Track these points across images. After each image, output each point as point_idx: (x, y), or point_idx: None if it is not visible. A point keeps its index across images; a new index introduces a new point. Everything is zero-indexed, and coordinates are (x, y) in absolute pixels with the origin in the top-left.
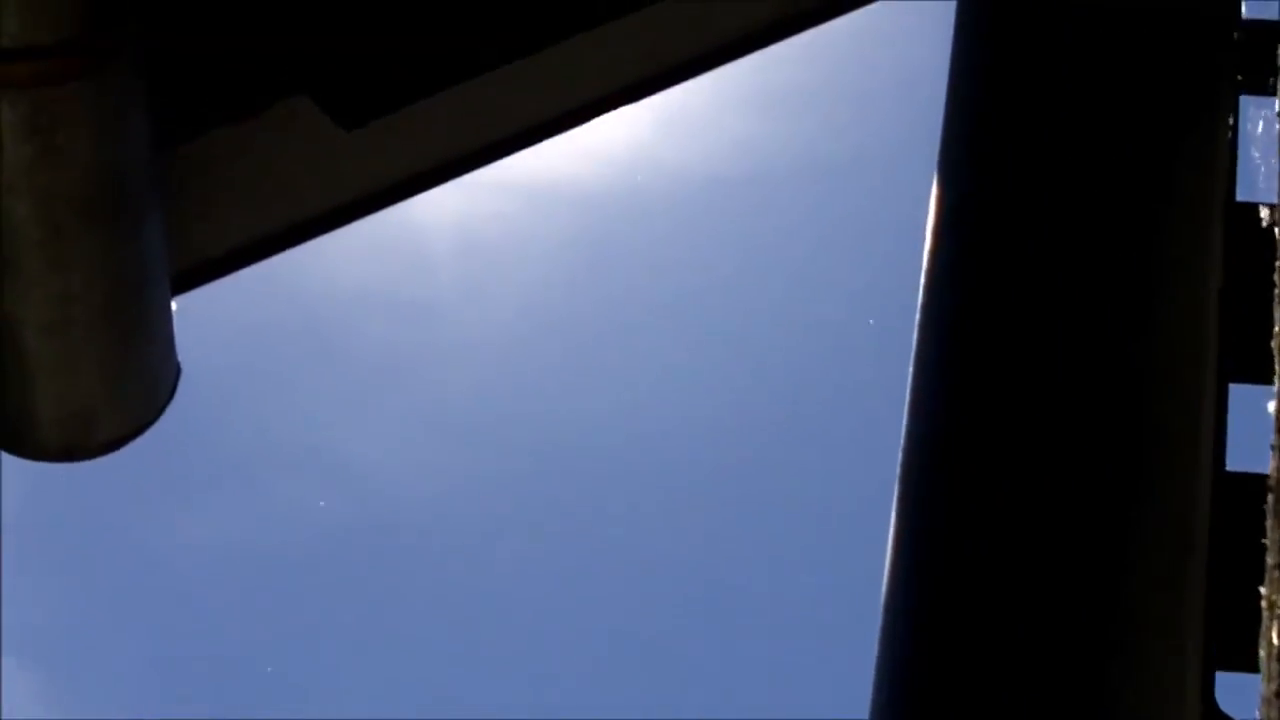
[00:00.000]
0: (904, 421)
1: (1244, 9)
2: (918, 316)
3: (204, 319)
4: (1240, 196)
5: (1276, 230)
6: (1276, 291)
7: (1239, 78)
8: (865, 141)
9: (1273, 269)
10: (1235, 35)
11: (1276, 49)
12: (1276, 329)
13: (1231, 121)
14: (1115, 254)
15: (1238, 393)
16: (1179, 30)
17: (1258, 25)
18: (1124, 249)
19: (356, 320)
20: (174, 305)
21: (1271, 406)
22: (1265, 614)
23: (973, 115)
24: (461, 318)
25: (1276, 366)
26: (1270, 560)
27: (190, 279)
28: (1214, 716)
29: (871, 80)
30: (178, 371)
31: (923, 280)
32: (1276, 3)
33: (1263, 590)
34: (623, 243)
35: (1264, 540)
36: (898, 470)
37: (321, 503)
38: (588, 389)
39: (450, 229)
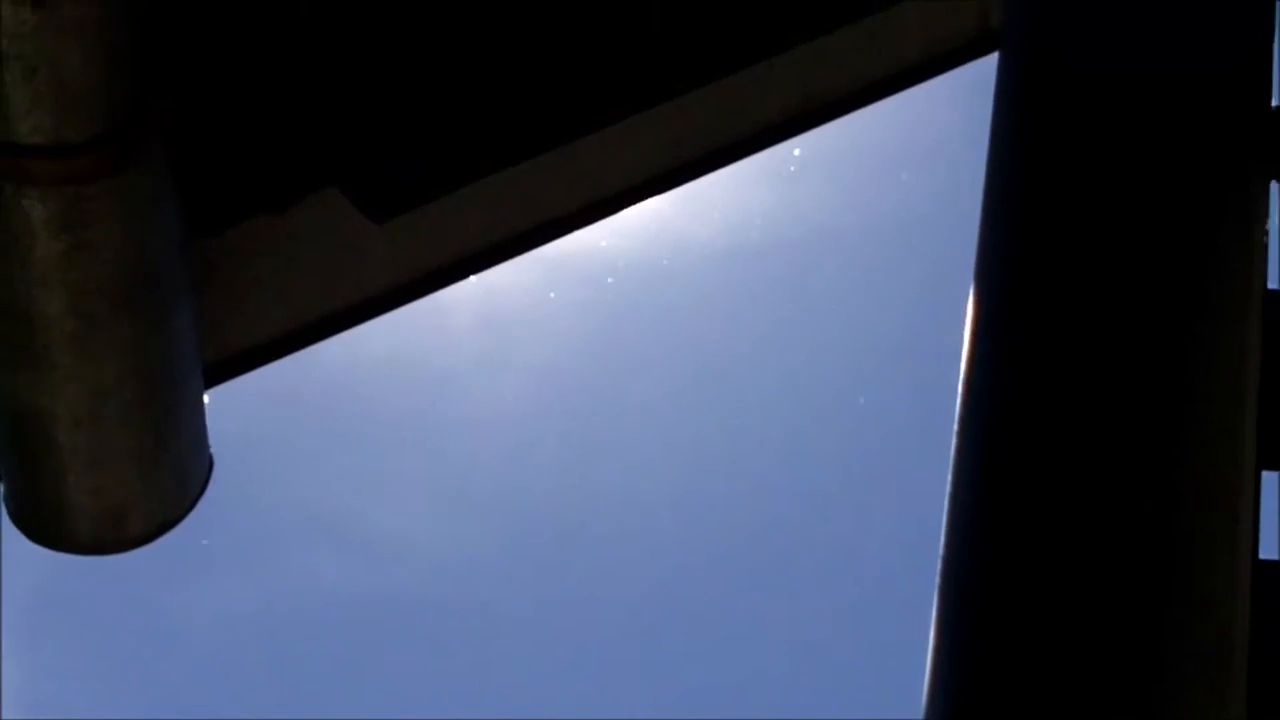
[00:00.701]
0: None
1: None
2: (957, 410)
3: (224, 388)
4: (1273, 284)
5: None
6: None
7: (1272, 163)
8: (893, 209)
9: None
10: (1267, 118)
11: None
12: None
13: (1265, 207)
14: (1152, 343)
15: (1271, 480)
16: (1211, 113)
17: None
18: (1161, 338)
19: (378, 390)
20: (206, 398)
21: None
22: None
23: (1010, 197)
24: (482, 388)
25: None
26: None
27: (222, 371)
28: None
29: (899, 147)
30: (210, 464)
31: (962, 372)
32: None
33: None
34: (645, 313)
35: None
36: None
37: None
38: (611, 461)
39: (470, 299)
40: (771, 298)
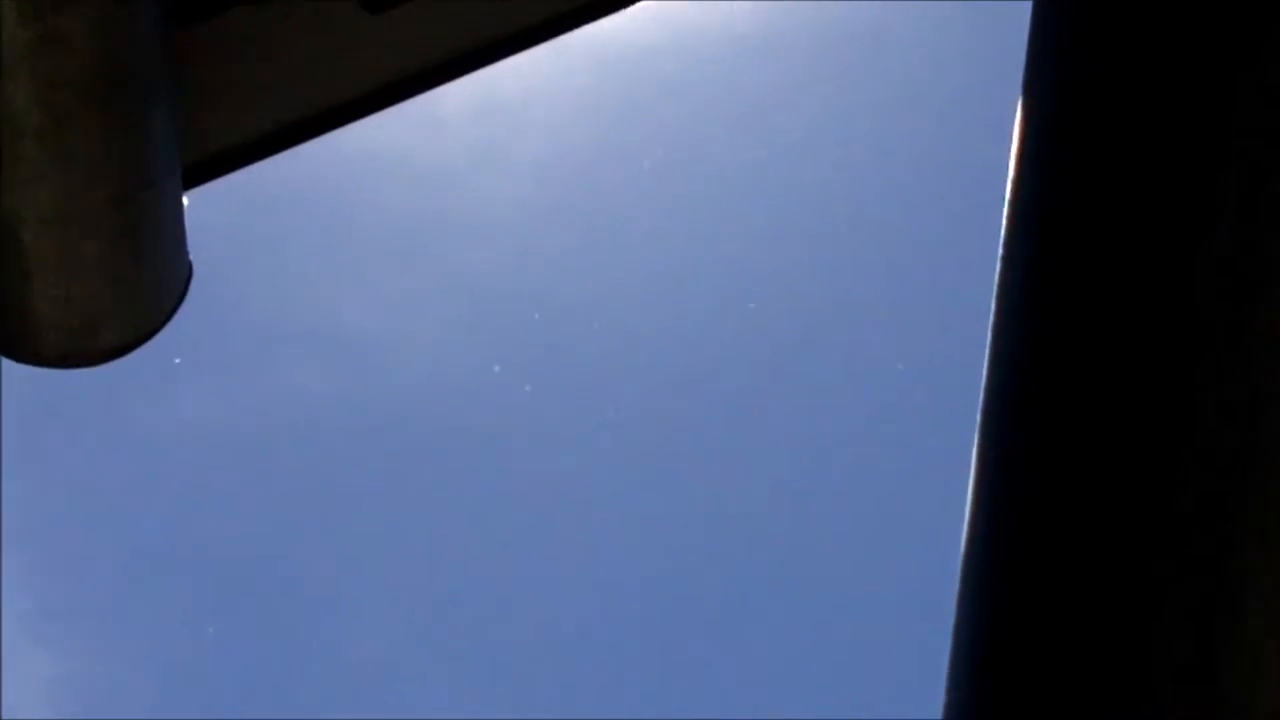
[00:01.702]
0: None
1: None
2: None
3: (205, 190)
4: None
5: None
6: None
7: None
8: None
9: None
10: None
11: None
12: None
13: None
14: (1198, 316)
15: None
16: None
17: None
18: (1209, 310)
19: (366, 189)
20: (185, 201)
21: None
22: None
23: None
24: (479, 184)
25: None
26: None
27: (203, 172)
28: None
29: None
30: (189, 272)
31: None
32: None
33: None
34: (651, 100)
35: None
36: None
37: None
38: (614, 263)
39: (464, 87)
40: (782, 92)
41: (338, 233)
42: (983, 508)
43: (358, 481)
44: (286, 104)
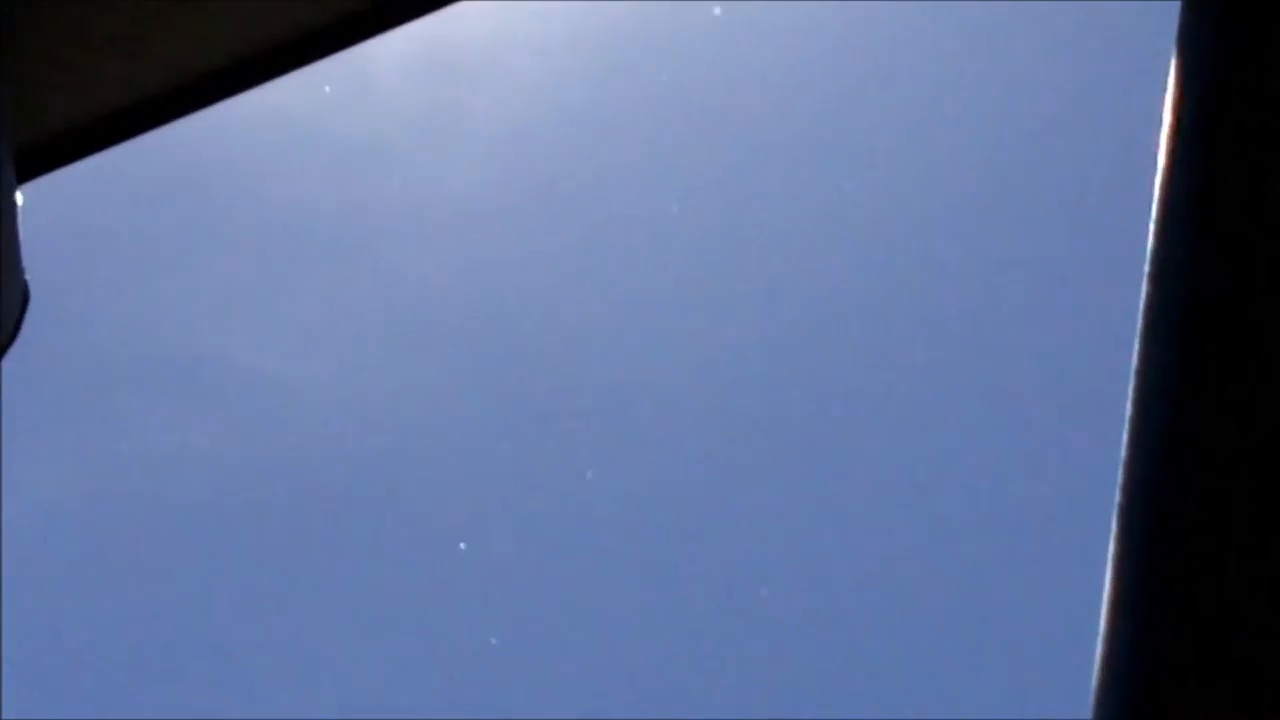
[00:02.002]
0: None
1: None
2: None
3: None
4: None
5: None
6: None
7: None
8: None
9: None
10: None
11: None
12: None
13: None
14: None
15: None
16: None
17: None
18: None
19: (264, 180)
20: (19, 198)
21: None
22: None
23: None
24: (416, 166)
25: None
26: None
27: (41, 158)
28: None
29: None
30: (23, 297)
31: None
32: None
33: None
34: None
35: None
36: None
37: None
38: (593, 266)
39: (400, 39)
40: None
41: (219, 235)
42: (1133, 526)
43: (244, 568)
44: (144, 71)
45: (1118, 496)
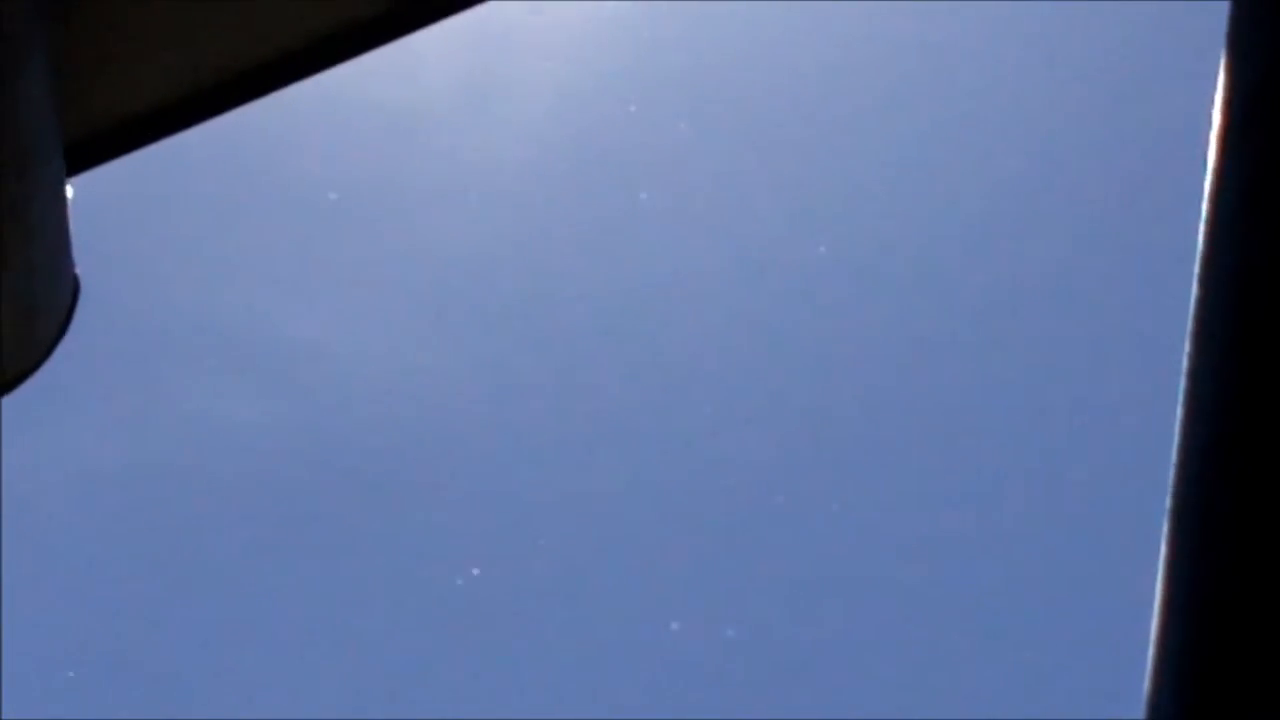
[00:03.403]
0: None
1: None
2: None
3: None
4: None
5: None
6: None
7: None
8: None
9: None
10: None
11: None
12: None
13: None
14: None
15: None
16: None
17: None
18: None
19: (305, 152)
20: (69, 191)
21: None
22: None
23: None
24: (463, 146)
25: None
26: None
27: (91, 151)
28: None
29: None
30: (74, 288)
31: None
32: None
33: None
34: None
35: None
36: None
37: (474, 572)
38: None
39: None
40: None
41: (262, 207)
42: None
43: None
44: (193, 65)
45: (1169, 499)
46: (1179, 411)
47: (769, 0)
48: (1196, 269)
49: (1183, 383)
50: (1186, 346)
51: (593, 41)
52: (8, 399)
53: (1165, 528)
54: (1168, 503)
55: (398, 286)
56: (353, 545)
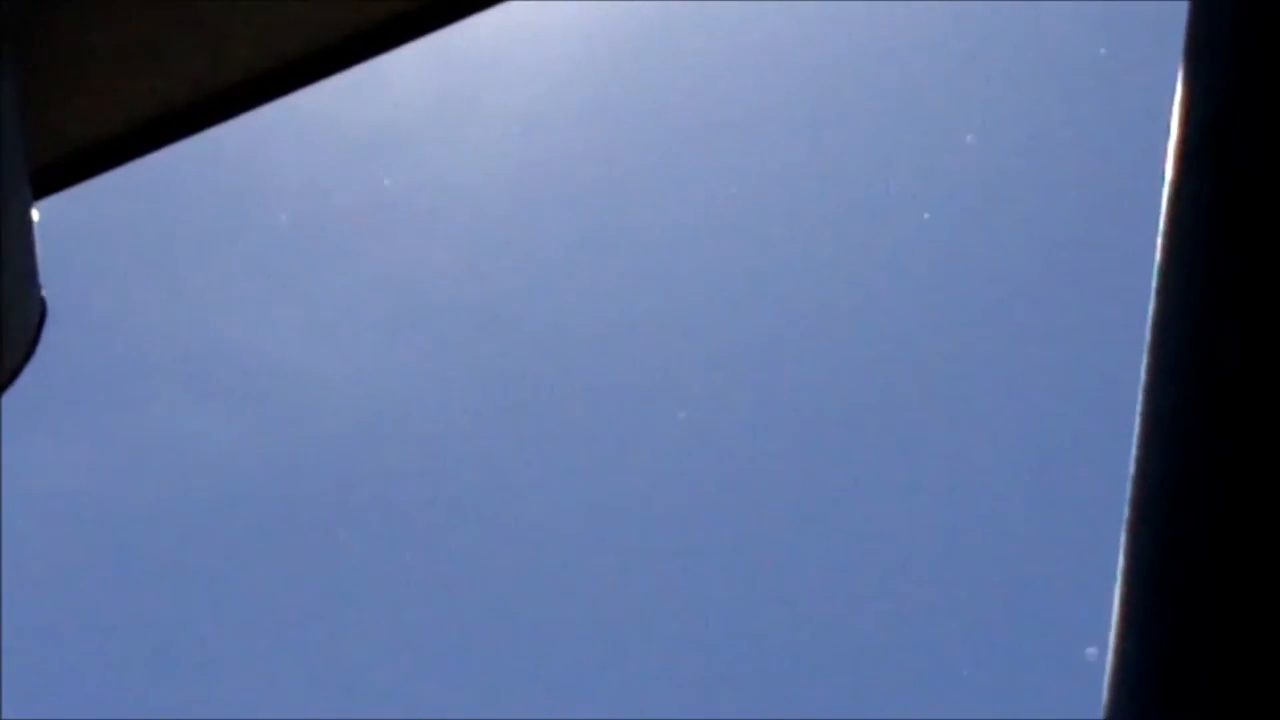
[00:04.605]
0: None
1: None
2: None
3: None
4: None
5: None
6: None
7: None
8: None
9: None
10: None
11: None
12: None
13: None
14: None
15: None
16: None
17: None
18: None
19: (279, 172)
20: (35, 215)
21: None
22: None
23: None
24: (422, 157)
25: None
26: None
27: (57, 176)
28: None
29: None
30: (40, 313)
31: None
32: None
33: None
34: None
35: None
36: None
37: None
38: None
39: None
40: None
41: (235, 227)
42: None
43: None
44: (160, 86)
45: (1127, 509)
46: (1136, 426)
47: (744, 19)
48: (1154, 279)
49: (1140, 396)
50: (1144, 359)
51: (568, 60)
52: None
53: (1122, 541)
54: (1125, 516)
55: (371, 306)
56: (327, 565)
